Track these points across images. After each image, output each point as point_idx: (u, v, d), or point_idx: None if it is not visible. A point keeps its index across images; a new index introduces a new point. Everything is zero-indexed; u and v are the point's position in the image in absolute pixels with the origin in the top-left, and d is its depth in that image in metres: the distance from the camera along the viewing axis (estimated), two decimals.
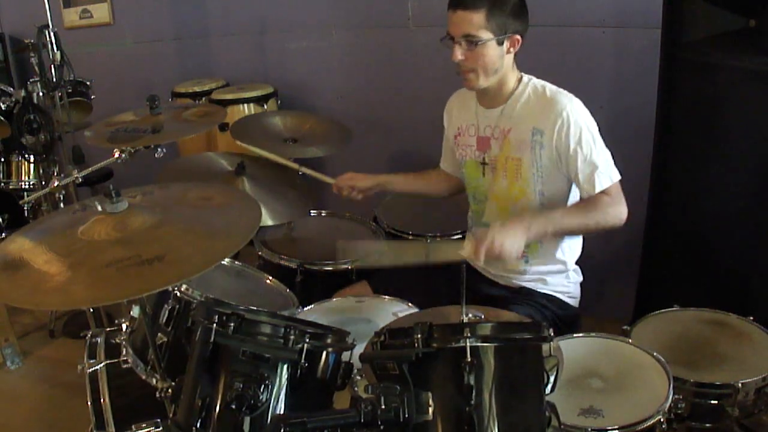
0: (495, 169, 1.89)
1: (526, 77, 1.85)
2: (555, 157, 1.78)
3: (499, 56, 1.75)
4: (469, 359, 1.05)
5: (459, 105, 2.02)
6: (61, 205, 2.62)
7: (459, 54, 1.74)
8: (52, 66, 2.69)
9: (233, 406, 1.11)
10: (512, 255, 1.62)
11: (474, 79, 1.79)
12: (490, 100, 1.88)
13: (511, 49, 1.77)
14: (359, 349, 1.28)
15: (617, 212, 1.74)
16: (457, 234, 2.34)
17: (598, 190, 1.73)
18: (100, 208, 1.41)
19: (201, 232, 1.40)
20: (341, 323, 1.69)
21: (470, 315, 1.25)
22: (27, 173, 3.09)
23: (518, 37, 1.76)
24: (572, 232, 1.85)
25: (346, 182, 2.14)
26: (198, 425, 1.15)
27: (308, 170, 2.27)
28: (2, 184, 3.09)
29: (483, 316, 1.36)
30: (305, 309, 1.83)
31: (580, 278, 1.98)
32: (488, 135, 1.89)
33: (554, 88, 1.82)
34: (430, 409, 1.06)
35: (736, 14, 1.96)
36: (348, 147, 2.65)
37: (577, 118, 1.74)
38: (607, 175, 1.74)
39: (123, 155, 2.09)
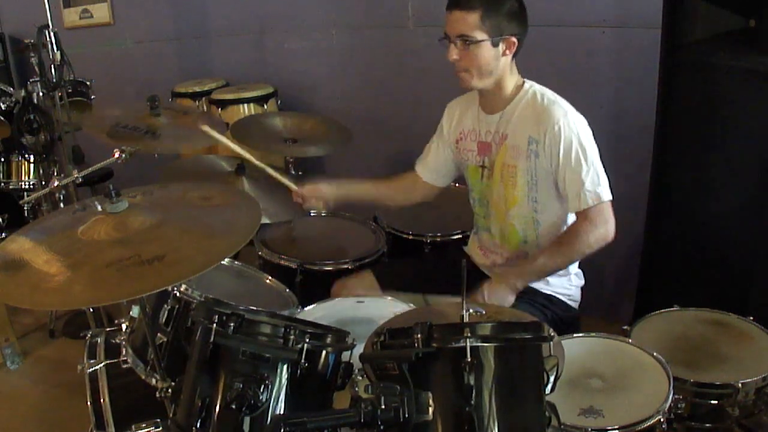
0: (492, 173, 1.89)
1: (528, 83, 1.84)
2: (548, 168, 1.78)
3: (493, 58, 1.75)
4: (469, 359, 1.04)
5: (461, 110, 2.01)
6: (61, 205, 2.62)
7: (454, 54, 1.75)
8: (52, 66, 2.69)
9: (233, 406, 1.11)
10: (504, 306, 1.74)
11: (468, 78, 1.79)
12: (490, 104, 1.88)
13: (507, 52, 1.76)
14: (359, 349, 1.28)
15: (599, 236, 1.74)
16: (458, 234, 2.35)
17: (582, 207, 1.74)
18: (100, 208, 1.41)
19: (201, 232, 1.40)
20: (341, 323, 1.69)
21: (471, 310, 1.24)
22: (27, 173, 3.09)
23: (514, 39, 1.74)
24: (561, 269, 1.87)
25: (311, 192, 2.04)
26: (198, 425, 1.15)
27: (273, 172, 2.08)
28: (2, 184, 3.09)
29: (484, 312, 1.36)
30: (305, 309, 1.83)
31: (582, 282, 1.98)
32: (489, 141, 1.89)
33: (552, 97, 1.80)
34: (430, 409, 1.06)
35: (736, 14, 1.96)
36: (348, 147, 2.66)
37: (569, 132, 1.72)
38: (594, 193, 1.73)
39: (123, 155, 2.09)
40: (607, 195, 1.75)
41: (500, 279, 1.81)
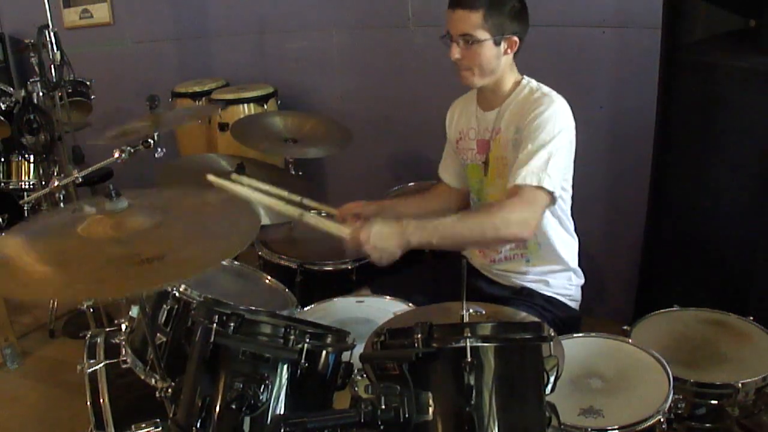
0: (488, 169, 1.89)
1: (525, 80, 1.84)
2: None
3: (495, 56, 1.75)
4: (469, 359, 1.04)
5: (460, 110, 2.01)
6: (61, 205, 2.62)
7: (456, 53, 1.75)
8: (52, 66, 2.69)
9: (233, 406, 1.11)
10: (382, 261, 1.59)
11: (470, 76, 1.79)
12: (488, 102, 1.88)
13: (509, 51, 1.76)
14: (359, 349, 1.28)
15: (521, 219, 1.62)
16: None
17: (518, 182, 1.65)
18: (99, 208, 1.40)
19: (201, 233, 1.39)
20: (341, 323, 1.69)
21: (471, 310, 1.24)
22: (27, 173, 3.10)
23: (516, 38, 1.75)
24: (468, 241, 1.74)
25: (350, 210, 2.03)
26: (198, 425, 1.15)
27: (312, 211, 2.00)
28: (2, 184, 3.09)
29: (484, 312, 1.36)
30: (305, 309, 1.83)
31: (582, 281, 1.97)
32: (487, 138, 1.89)
33: (546, 91, 1.79)
34: (430, 409, 1.06)
35: (736, 14, 1.97)
36: (348, 148, 2.66)
37: (548, 116, 1.69)
38: (536, 175, 1.65)
39: (123, 155, 2.09)
40: (549, 185, 1.65)
41: (397, 226, 1.59)
